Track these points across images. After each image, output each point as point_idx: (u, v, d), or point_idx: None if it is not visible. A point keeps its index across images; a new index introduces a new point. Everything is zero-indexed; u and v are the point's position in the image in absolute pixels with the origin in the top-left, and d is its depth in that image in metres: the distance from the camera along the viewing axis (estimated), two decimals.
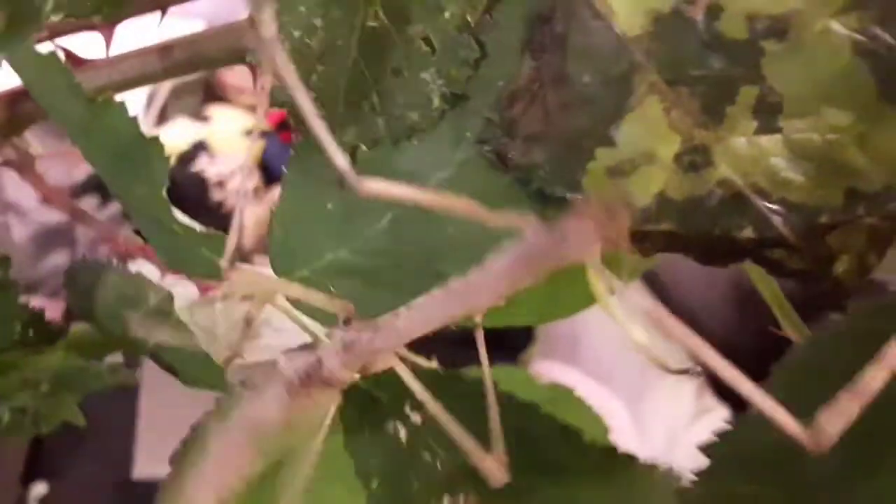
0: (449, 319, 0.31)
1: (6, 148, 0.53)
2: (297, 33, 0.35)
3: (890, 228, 0.36)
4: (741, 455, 0.31)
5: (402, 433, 0.42)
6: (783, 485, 0.32)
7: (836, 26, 0.35)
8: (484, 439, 0.40)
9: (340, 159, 0.27)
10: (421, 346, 0.38)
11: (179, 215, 0.38)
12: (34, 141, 0.54)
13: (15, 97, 0.50)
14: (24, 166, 0.52)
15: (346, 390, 0.43)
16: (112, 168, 0.39)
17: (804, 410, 0.28)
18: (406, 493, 0.42)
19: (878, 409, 0.32)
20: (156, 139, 0.36)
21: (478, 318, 0.39)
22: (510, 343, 1.22)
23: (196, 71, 0.52)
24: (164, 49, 0.50)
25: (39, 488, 1.62)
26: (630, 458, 0.39)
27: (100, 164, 0.39)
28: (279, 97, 0.36)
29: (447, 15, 0.36)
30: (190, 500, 0.38)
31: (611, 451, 0.40)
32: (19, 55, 0.38)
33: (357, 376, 0.36)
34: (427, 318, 0.32)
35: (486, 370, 0.38)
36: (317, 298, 0.36)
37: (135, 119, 0.36)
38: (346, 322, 0.35)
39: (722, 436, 0.33)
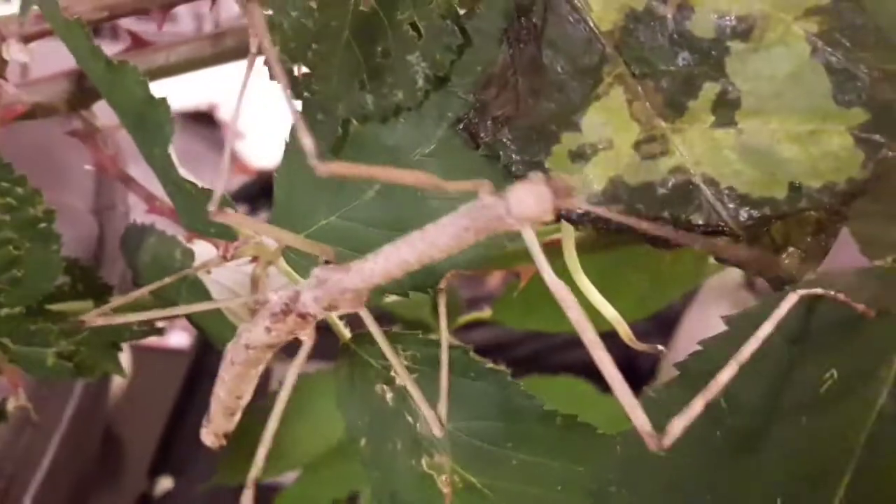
0: (409, 267, 0.36)
1: (75, 119, 0.58)
2: (294, 14, 0.39)
3: (835, 223, 0.37)
4: None
5: (389, 395, 0.45)
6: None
7: (797, 29, 0.37)
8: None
9: (308, 142, 0.31)
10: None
11: (188, 175, 0.42)
12: (100, 114, 0.59)
13: (82, 73, 0.55)
14: (88, 136, 0.57)
15: (340, 352, 0.46)
16: (134, 129, 0.43)
17: None
18: (390, 452, 0.45)
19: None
20: (163, 100, 0.40)
21: (442, 285, 0.43)
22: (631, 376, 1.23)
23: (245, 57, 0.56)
24: (217, 36, 0.55)
25: (165, 483, 1.70)
26: (589, 428, 0.41)
27: (127, 125, 0.44)
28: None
29: (433, 3, 0.39)
30: (211, 413, 0.45)
31: (572, 421, 0.42)
32: (55, 19, 0.42)
33: (326, 312, 0.40)
34: (390, 264, 0.36)
35: (444, 334, 0.41)
36: (303, 244, 0.40)
37: (145, 81, 0.40)
38: (326, 262, 0.39)
39: None
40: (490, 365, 0.43)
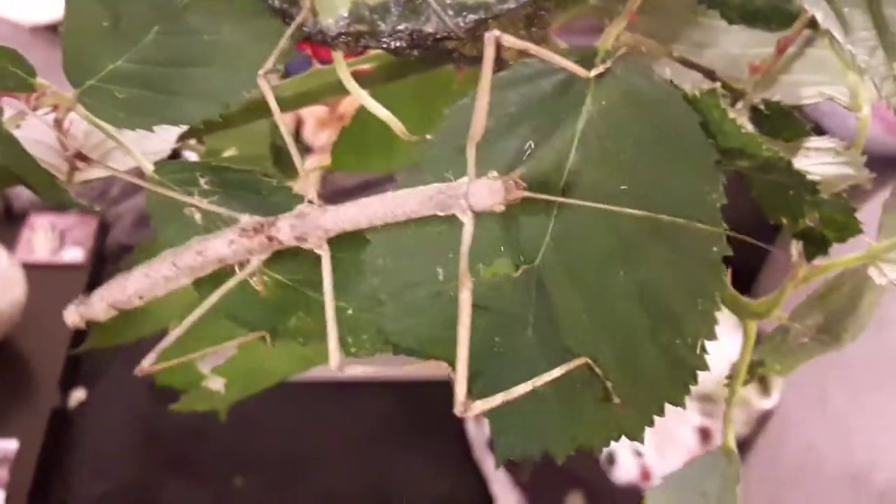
0: (376, 220, 0.43)
1: None
2: None
3: (541, 17, 0.43)
4: None
5: (197, 216, 0.50)
6: None
7: None
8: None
9: None
10: None
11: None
12: None
13: None
14: None
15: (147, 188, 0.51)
16: None
17: None
18: None
19: None
20: None
21: None
22: None
23: None
24: None
25: (78, 394, 1.73)
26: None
27: None
28: None
29: None
30: (95, 297, 0.50)
31: None
32: None
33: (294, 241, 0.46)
34: (361, 216, 0.43)
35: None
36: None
37: None
38: (310, 201, 0.46)
39: None
40: (277, 182, 0.48)
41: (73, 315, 0.51)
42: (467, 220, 0.40)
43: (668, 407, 0.42)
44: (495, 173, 0.39)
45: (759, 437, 1.58)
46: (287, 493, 1.60)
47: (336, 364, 0.44)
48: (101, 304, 0.50)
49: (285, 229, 0.45)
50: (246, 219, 0.46)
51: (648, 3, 0.48)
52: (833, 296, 0.53)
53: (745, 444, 1.58)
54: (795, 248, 0.48)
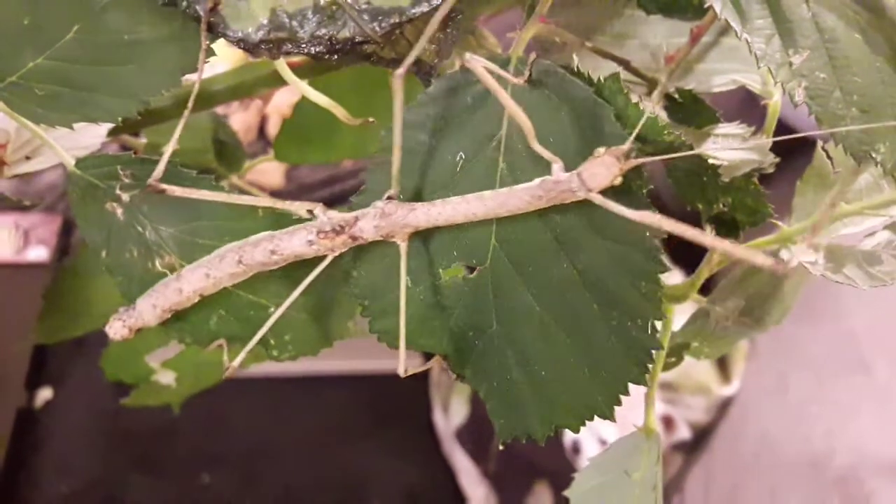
0: (474, 217, 0.43)
1: None
2: None
3: (455, 18, 0.44)
4: None
5: (119, 211, 0.51)
6: None
7: None
8: None
9: None
10: None
11: None
12: None
13: None
14: None
15: (69, 179, 0.52)
16: None
17: None
18: (128, 260, 0.52)
19: None
20: None
21: None
22: None
23: None
24: None
25: (45, 393, 1.72)
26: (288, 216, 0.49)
27: None
28: None
29: None
30: (142, 305, 0.50)
31: (272, 211, 0.50)
32: None
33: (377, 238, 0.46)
34: (457, 213, 0.43)
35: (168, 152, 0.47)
36: None
37: None
38: (389, 198, 0.46)
39: None
40: (196, 173, 0.49)
41: (119, 330, 0.51)
42: (597, 199, 0.40)
43: (632, 397, 0.45)
44: (601, 150, 0.40)
45: (720, 425, 1.59)
46: (254, 488, 1.60)
47: (403, 371, 0.46)
48: (154, 312, 0.50)
49: (369, 230, 0.46)
50: (322, 219, 0.47)
51: None
52: (752, 279, 0.54)
53: (706, 432, 1.60)
54: (709, 232, 0.49)
